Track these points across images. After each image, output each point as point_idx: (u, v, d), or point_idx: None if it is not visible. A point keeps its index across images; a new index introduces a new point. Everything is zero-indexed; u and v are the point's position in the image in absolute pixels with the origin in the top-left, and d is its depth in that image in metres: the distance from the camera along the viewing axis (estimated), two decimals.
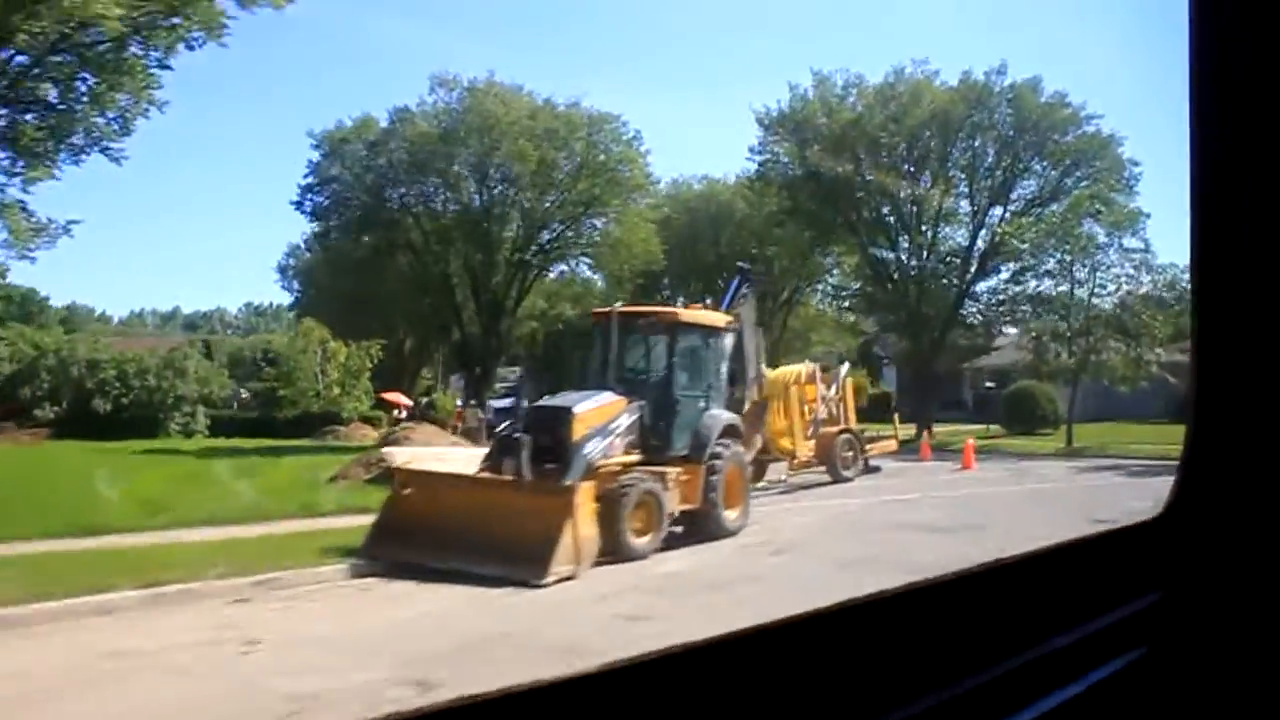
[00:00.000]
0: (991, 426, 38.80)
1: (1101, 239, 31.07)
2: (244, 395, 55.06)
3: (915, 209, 37.99)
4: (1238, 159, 2.21)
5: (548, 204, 35.63)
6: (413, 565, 11.41)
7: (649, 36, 63.23)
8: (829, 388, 23.30)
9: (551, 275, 42.17)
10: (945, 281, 38.54)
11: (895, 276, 38.60)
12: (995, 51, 50.17)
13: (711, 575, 11.78)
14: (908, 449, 28.02)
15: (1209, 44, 2.20)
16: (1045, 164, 36.73)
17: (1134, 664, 2.03)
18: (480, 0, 55.45)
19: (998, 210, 37.70)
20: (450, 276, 36.71)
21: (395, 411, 43.70)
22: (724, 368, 16.12)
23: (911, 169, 37.42)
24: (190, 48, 24.55)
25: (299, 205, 35.88)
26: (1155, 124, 34.19)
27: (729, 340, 16.55)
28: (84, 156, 25.11)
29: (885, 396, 52.58)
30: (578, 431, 12.76)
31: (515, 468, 12.37)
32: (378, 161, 34.64)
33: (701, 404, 14.84)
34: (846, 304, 45.20)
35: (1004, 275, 37.80)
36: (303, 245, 50.59)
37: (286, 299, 62.28)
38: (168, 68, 24.67)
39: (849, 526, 15.61)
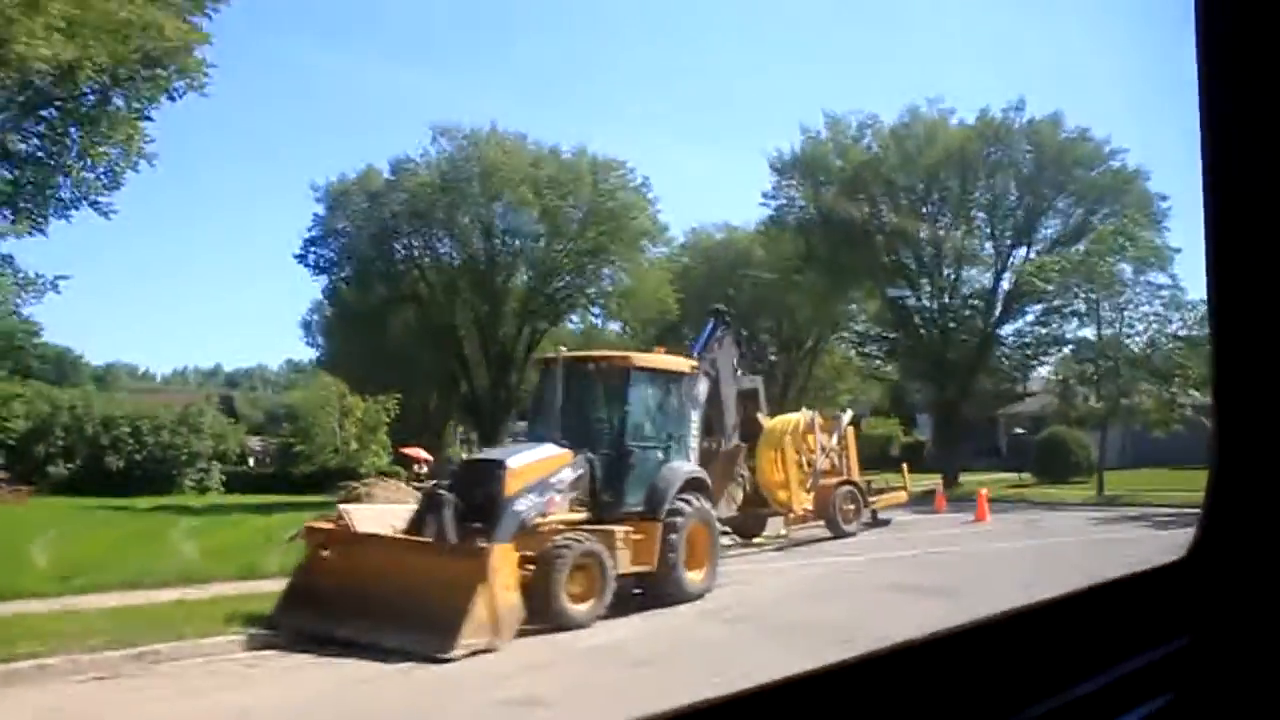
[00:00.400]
0: (1024, 475, 37.12)
1: (1128, 275, 29.47)
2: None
3: (936, 251, 36.71)
4: (1256, 196, 2.13)
5: (554, 253, 34.81)
6: (321, 635, 10.36)
7: (670, 86, 62.85)
8: (831, 437, 22.00)
9: (569, 326, 41.30)
10: (969, 325, 37.10)
11: (917, 321, 37.23)
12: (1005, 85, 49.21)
13: (647, 648, 10.51)
14: (924, 500, 26.54)
15: (1216, 63, 2.10)
16: (1069, 201, 35.32)
17: (1160, 711, 2.00)
18: (496, 56, 55.66)
19: (1022, 251, 36.30)
20: (457, 329, 35.94)
21: (416, 466, 42.87)
22: (692, 416, 14.97)
23: (930, 210, 36.19)
24: (172, 99, 24.32)
25: (302, 258, 35.42)
26: (1177, 156, 32.81)
27: (699, 387, 15.42)
28: (72, 211, 24.81)
29: (919, 445, 50.95)
30: (511, 487, 11.61)
31: (438, 528, 11.26)
32: (380, 213, 34.10)
33: (660, 455, 13.65)
34: (868, 351, 43.66)
35: (1030, 318, 36.24)
36: (324, 300, 50.40)
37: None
38: (149, 119, 24.32)
39: (830, 588, 14.25)
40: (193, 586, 13.56)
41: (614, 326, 43.95)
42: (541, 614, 11.26)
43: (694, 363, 14.76)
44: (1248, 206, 2.14)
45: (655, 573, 12.83)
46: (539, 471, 12.03)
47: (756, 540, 20.69)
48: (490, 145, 33.51)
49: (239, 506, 32.21)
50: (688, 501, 13.34)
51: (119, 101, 24.05)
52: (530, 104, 53.06)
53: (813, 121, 37.29)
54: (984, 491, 23.33)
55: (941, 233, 36.15)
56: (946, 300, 36.63)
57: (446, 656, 9.56)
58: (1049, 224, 36.29)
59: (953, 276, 36.99)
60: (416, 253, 34.99)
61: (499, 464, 11.95)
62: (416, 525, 11.53)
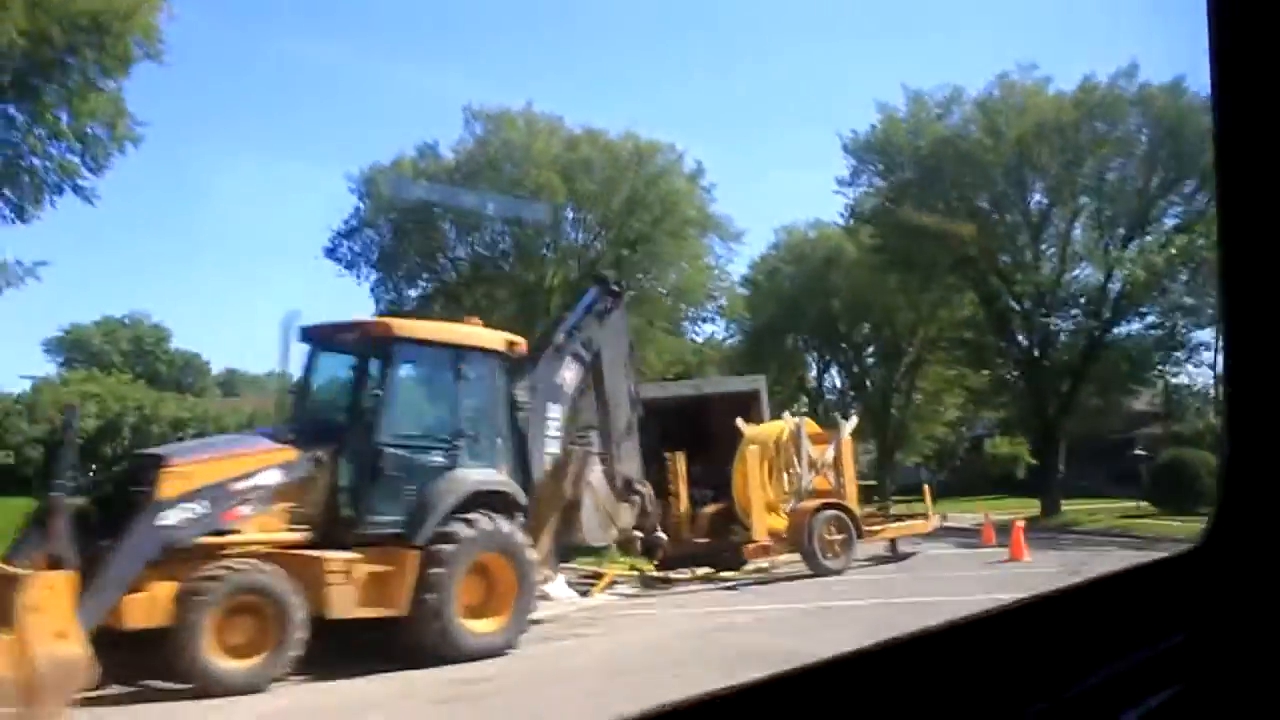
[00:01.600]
0: (1142, 504, 31.53)
1: None
2: None
3: (1032, 241, 31.66)
4: (1269, 175, 2.11)
5: (589, 246, 31.63)
6: None
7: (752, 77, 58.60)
8: (825, 449, 17.93)
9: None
10: (1073, 329, 31.85)
11: (1014, 325, 32.21)
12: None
13: None
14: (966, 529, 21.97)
15: (1231, 63, 2.17)
16: (1195, 182, 29.59)
17: (1168, 702, 1.94)
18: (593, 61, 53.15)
19: (1139, 241, 30.73)
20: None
21: None
22: (547, 410, 11.63)
23: (1023, 194, 31.20)
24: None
25: (331, 252, 33.24)
26: None
27: (562, 373, 12.05)
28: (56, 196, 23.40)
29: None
30: (164, 491, 8.48)
31: (43, 543, 8.21)
32: (406, 203, 31.66)
33: (442, 459, 10.21)
34: (955, 356, 38.58)
35: (1148, 319, 30.73)
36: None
37: None
38: (100, 89, 22.67)
39: (695, 655, 10.29)
40: None
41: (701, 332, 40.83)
42: (176, 671, 8.13)
43: (511, 339, 11.14)
44: (1259, 200, 2.11)
45: (407, 619, 9.45)
46: (218, 472, 8.86)
47: (728, 574, 16.99)
48: (515, 127, 30.60)
49: None
50: (470, 524, 9.87)
51: (77, 76, 22.59)
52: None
53: (894, 98, 32.84)
54: (1020, 524, 18.59)
55: (1037, 220, 31.17)
56: (1045, 299, 31.41)
57: None
58: (1170, 210, 30.63)
59: (1056, 271, 31.78)
60: (446, 245, 32.35)
61: (154, 461, 8.83)
62: (18, 543, 8.52)
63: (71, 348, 69.51)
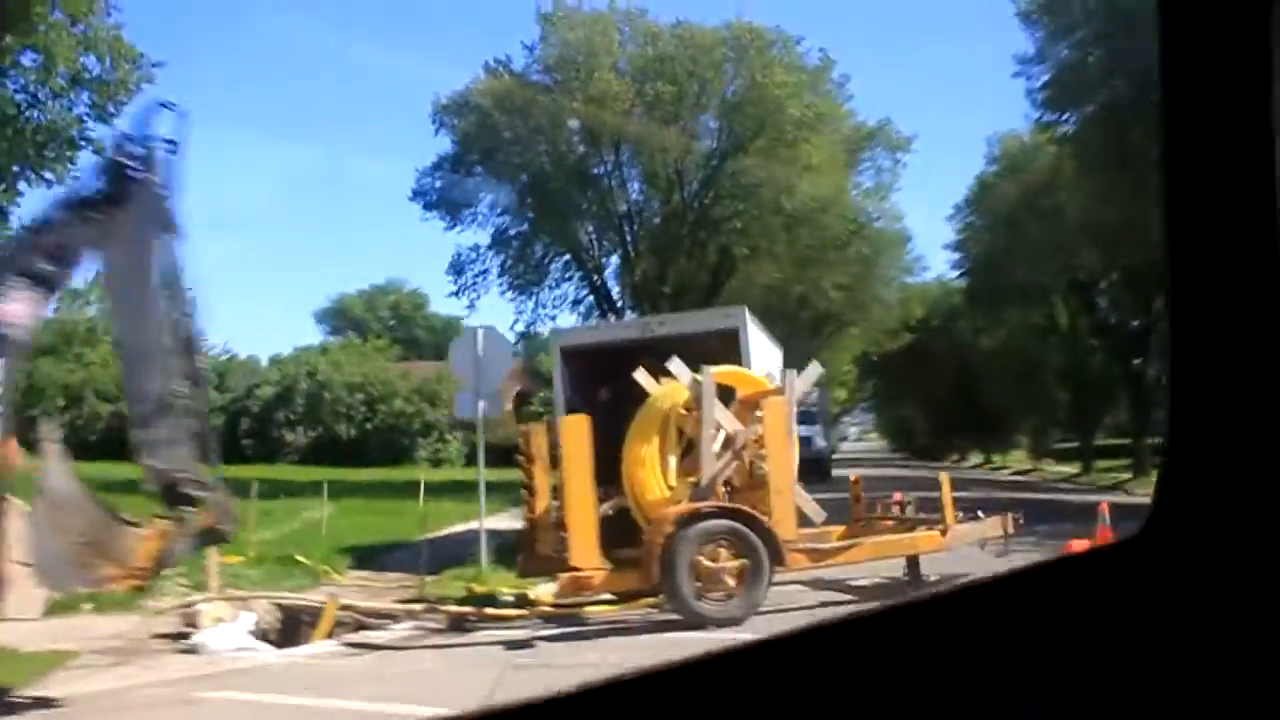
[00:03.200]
0: None
1: None
2: None
3: None
4: (1216, 151, 2.05)
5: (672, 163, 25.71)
6: None
7: None
8: (748, 418, 11.41)
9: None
10: None
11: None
12: None
13: None
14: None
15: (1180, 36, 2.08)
16: None
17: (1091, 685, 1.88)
18: None
19: None
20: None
21: None
22: None
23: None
24: None
25: (423, 196, 29.48)
26: None
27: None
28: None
29: None
30: None
31: None
32: (474, 128, 27.19)
33: None
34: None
35: None
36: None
37: None
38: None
39: None
40: None
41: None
42: None
43: None
44: (1207, 188, 2.06)
45: None
46: None
47: (600, 609, 11.28)
48: (579, 25, 25.15)
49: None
50: None
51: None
52: None
53: None
54: (1104, 527, 10.74)
55: None
56: None
57: None
58: None
59: None
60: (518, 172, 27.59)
61: None
62: None
63: (337, 316, 72.29)
